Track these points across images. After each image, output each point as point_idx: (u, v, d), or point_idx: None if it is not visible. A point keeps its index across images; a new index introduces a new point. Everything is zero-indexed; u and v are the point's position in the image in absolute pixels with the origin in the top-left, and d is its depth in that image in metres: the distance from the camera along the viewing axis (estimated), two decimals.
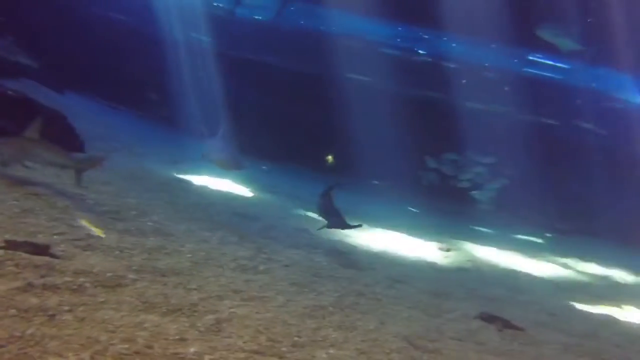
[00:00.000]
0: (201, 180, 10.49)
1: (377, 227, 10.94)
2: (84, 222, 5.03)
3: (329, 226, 7.33)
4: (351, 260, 7.16)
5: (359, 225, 7.47)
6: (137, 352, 2.78)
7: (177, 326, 3.30)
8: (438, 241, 11.34)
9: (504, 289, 8.01)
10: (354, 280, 5.97)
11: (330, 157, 19.15)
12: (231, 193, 10.38)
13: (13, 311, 2.91)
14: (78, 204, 5.65)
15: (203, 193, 9.25)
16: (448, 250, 10.79)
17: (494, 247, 12.67)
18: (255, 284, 4.72)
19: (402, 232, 11.35)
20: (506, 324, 5.33)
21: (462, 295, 6.65)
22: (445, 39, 18.87)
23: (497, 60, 18.72)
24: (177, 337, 3.12)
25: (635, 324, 7.29)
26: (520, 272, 10.34)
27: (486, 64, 18.65)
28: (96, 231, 4.89)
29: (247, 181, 11.39)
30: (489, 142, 17.01)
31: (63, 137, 8.31)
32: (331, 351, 3.60)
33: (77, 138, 8.73)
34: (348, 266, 6.71)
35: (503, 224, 15.99)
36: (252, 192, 11.23)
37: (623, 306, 8.42)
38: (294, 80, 17.43)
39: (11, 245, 3.85)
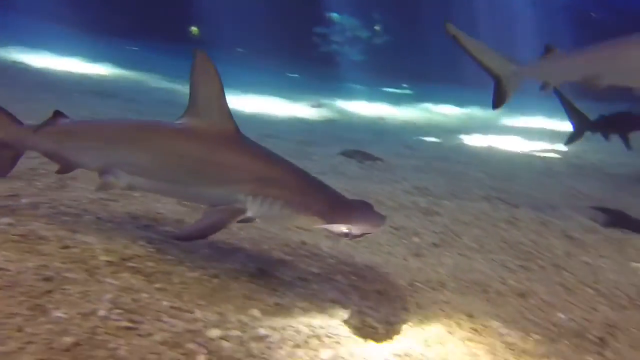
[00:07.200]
0: None
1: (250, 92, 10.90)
2: None
3: None
4: None
5: None
6: None
7: None
8: (310, 100, 11.65)
9: (369, 133, 8.61)
10: None
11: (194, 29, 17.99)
12: None
13: None
14: None
15: None
16: (319, 106, 11.15)
17: (364, 100, 13.33)
18: None
19: (277, 96, 11.47)
20: (366, 157, 5.80)
21: (329, 142, 7.03)
22: None
23: None
24: None
25: (478, 146, 8.38)
26: (385, 118, 11.12)
27: None
28: None
29: None
30: None
31: None
32: None
33: None
34: None
35: (373, 82, 16.70)
36: None
37: (471, 135, 9.56)
38: None
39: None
